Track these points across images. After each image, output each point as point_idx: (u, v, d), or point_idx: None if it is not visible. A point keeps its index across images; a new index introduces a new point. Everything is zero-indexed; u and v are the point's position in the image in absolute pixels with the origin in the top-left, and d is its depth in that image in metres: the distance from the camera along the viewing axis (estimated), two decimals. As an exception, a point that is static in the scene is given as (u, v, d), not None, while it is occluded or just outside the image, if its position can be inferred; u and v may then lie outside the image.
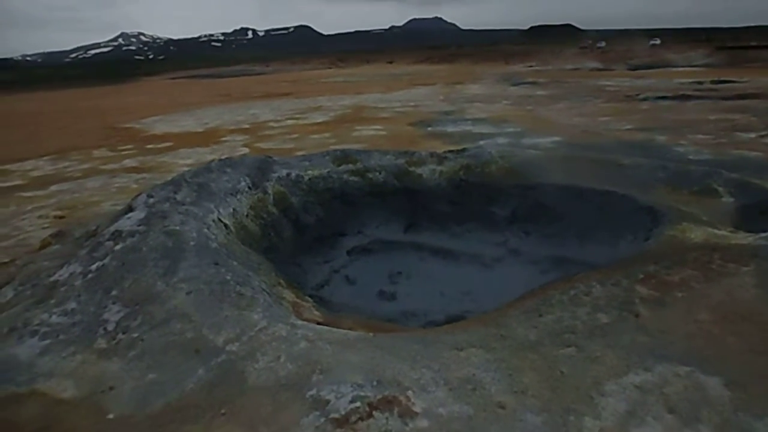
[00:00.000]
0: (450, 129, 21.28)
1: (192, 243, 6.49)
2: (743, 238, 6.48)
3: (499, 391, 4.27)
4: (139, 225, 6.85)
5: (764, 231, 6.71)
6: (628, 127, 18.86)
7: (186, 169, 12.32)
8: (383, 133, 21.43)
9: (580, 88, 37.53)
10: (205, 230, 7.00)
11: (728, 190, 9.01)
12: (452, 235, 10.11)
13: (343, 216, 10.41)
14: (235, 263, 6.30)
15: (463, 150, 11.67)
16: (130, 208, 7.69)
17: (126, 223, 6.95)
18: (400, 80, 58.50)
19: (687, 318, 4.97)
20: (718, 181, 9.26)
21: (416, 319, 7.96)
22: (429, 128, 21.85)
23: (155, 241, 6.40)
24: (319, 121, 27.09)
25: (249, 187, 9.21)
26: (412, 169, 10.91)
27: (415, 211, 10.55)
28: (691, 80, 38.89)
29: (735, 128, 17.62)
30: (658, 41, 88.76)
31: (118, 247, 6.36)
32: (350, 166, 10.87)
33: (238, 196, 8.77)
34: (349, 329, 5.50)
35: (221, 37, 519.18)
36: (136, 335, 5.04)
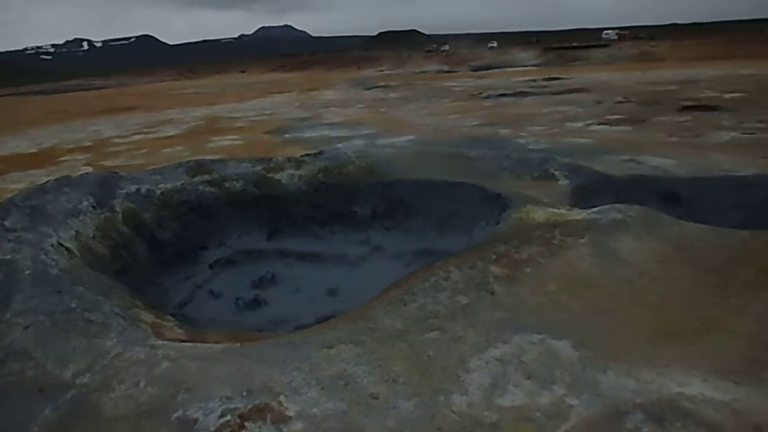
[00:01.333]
0: (307, 134, 21.26)
1: (27, 272, 5.85)
2: (578, 214, 7.15)
3: (370, 382, 4.31)
4: (-41, 257, 6.04)
5: (595, 207, 7.45)
6: (474, 123, 20.08)
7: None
8: (240, 142, 20.89)
9: (429, 89, 39.32)
10: (43, 257, 6.34)
11: (563, 174, 9.91)
12: (316, 238, 10.09)
13: (203, 229, 9.97)
14: (81, 289, 5.77)
15: (320, 153, 11.70)
16: (-53, 240, 6.74)
17: (-57, 257, 6.10)
18: (254, 89, 57.41)
19: (536, 290, 5.37)
20: (554, 166, 10.15)
21: (286, 326, 7.82)
22: (286, 135, 21.66)
23: (-19, 274, 5.67)
24: (170, 134, 25.75)
25: (93, 207, 8.50)
26: (270, 175, 10.73)
27: (277, 218, 10.39)
28: (526, 78, 42.32)
29: (565, 119, 19.46)
30: (495, 44, 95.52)
31: (-66, 285, 5.55)
32: (206, 177, 10.45)
33: (81, 217, 8.05)
34: (216, 344, 5.26)
35: (51, 50, 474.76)
36: (-37, 380, 4.43)
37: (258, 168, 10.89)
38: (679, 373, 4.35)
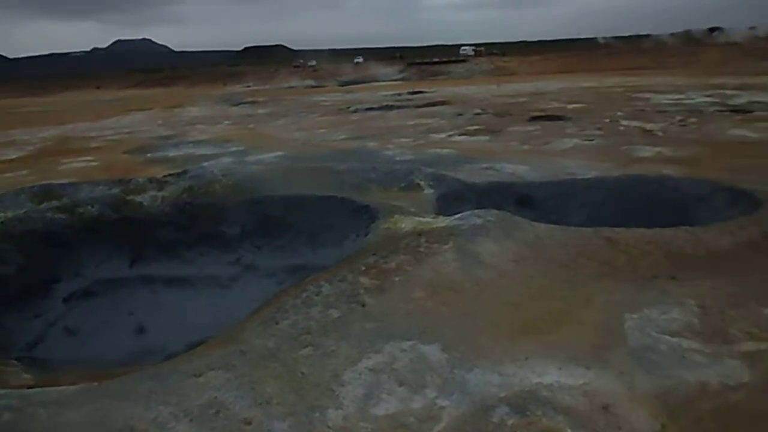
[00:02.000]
0: (171, 153, 20.27)
1: None
2: (442, 222, 7.48)
3: (243, 407, 4.18)
4: None
5: (457, 213, 7.84)
6: (343, 136, 20.32)
7: None
8: (95, 164, 19.42)
9: (298, 104, 39.22)
10: None
11: (428, 183, 10.32)
12: (184, 262, 9.65)
13: (54, 260, 9.14)
14: None
15: (185, 172, 11.24)
16: None
17: None
18: (111, 106, 53.77)
19: (405, 298, 5.53)
20: (419, 176, 10.54)
21: (154, 357, 7.37)
22: (148, 155, 20.49)
23: None
24: (12, 157, 23.33)
25: None
26: (130, 197, 10.11)
27: (140, 243, 9.80)
28: (392, 92, 43.60)
29: (429, 131, 20.28)
30: (361, 59, 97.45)
31: None
32: (54, 203, 9.61)
33: None
34: (71, 385, 4.83)
35: None
36: None
37: (116, 190, 10.22)
38: (537, 364, 4.68)
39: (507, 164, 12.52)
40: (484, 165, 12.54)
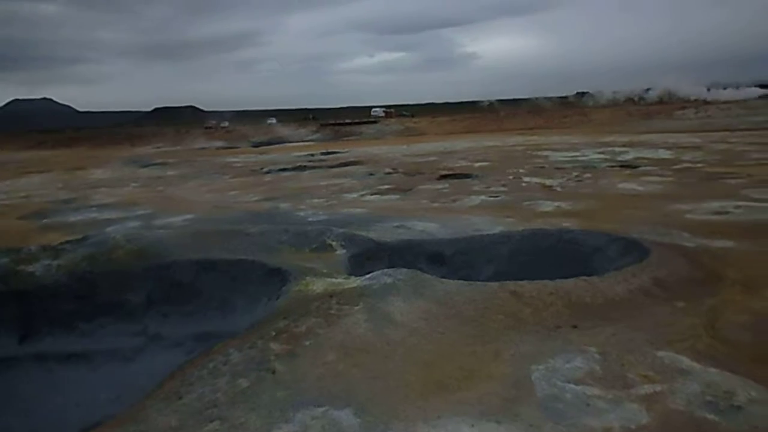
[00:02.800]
0: (72, 218, 19.20)
1: None
2: (354, 282, 7.49)
3: (141, 492, 3.89)
4: None
5: (369, 273, 7.89)
6: (255, 198, 20.13)
7: None
8: (-17, 231, 18.03)
9: (210, 165, 38.60)
10: None
11: (340, 243, 10.35)
12: (82, 335, 9.02)
13: (-71, 340, 8.29)
14: None
15: (85, 238, 10.67)
16: None
17: None
18: (5, 169, 50.54)
19: (316, 362, 5.43)
20: (331, 237, 10.56)
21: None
22: (45, 220, 19.30)
23: None
24: None
25: None
26: (20, 267, 9.44)
27: (32, 316, 9.09)
28: (305, 153, 43.96)
29: (342, 190, 20.52)
30: (274, 120, 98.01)
31: None
32: (-68, 277, 8.79)
33: None
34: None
35: None
36: None
37: (4, 260, 9.52)
38: (449, 422, 4.70)
39: (418, 222, 12.84)
40: (396, 223, 12.79)
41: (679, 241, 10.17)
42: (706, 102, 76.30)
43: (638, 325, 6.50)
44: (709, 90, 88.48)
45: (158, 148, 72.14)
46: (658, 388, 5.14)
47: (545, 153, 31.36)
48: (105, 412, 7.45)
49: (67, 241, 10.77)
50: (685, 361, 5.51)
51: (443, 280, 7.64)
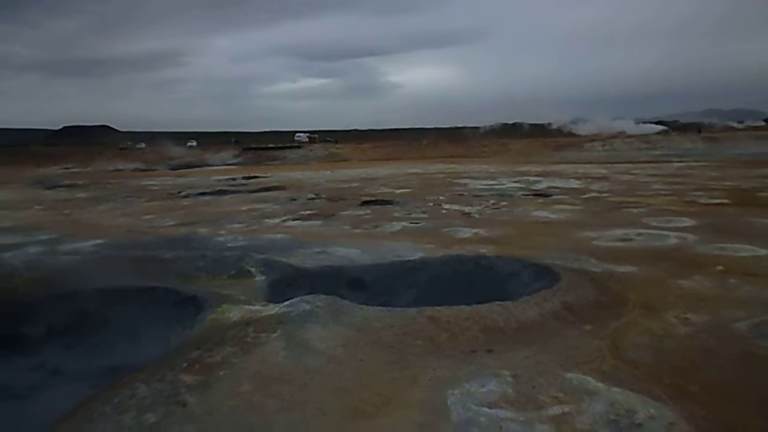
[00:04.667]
0: (-36, 244, 17.75)
1: None
2: (272, 309, 7.35)
3: None
4: None
5: (289, 300, 7.77)
6: (172, 222, 19.44)
7: None
8: None
9: (124, 188, 36.98)
10: None
11: (260, 270, 10.16)
12: (-30, 371, 8.28)
13: None
14: None
15: (-22, 266, 9.89)
16: None
17: None
18: None
19: (230, 393, 5.26)
20: (250, 263, 10.35)
21: None
22: (-67, 245, 17.73)
23: None
24: None
25: None
26: None
27: None
28: (226, 177, 43.03)
29: (263, 215, 20.21)
30: (194, 143, 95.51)
31: None
32: None
33: None
34: None
35: None
36: None
37: None
38: (365, 451, 4.66)
39: (339, 248, 12.81)
40: (317, 249, 12.71)
41: (587, 266, 10.70)
42: (612, 136, 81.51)
43: (549, 348, 6.75)
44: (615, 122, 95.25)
45: (67, 168, 68.40)
46: (566, 408, 5.33)
47: (464, 181, 32.32)
48: (-4, 456, 6.86)
49: (-42, 268, 9.96)
50: (592, 382, 5.76)
51: (362, 306, 7.65)
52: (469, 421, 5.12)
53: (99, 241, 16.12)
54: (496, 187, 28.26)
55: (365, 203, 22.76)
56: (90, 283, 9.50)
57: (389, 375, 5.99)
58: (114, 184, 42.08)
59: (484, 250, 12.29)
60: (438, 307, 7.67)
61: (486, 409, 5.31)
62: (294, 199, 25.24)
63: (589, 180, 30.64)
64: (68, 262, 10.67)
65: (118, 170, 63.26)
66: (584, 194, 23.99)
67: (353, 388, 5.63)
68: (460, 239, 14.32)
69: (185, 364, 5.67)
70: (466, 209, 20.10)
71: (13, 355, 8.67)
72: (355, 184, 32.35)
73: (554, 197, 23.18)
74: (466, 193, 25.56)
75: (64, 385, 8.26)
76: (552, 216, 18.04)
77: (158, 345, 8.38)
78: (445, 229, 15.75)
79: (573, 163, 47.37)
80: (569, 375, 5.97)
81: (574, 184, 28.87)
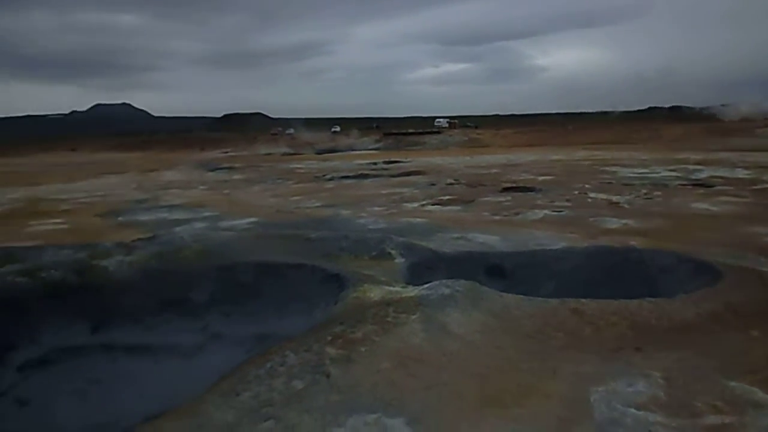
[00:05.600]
0: (143, 217, 20.12)
1: None
2: (411, 291, 7.48)
3: (197, 485, 4.00)
4: None
5: (427, 283, 7.86)
6: (317, 204, 20.48)
7: None
8: (65, 226, 19.15)
9: (274, 171, 39.59)
10: None
11: (399, 252, 10.36)
12: (147, 329, 9.38)
13: (11, 326, 8.82)
14: None
15: (154, 237, 11.14)
16: None
17: None
18: (85, 169, 53.52)
19: (371, 369, 5.45)
20: (390, 245, 10.59)
21: (110, 429, 7.07)
22: (120, 218, 20.31)
23: None
24: (-23, 218, 22.90)
25: None
26: (95, 262, 9.93)
27: (103, 309, 9.53)
28: (367, 161, 44.39)
29: (403, 200, 20.58)
30: (338, 128, 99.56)
31: None
32: (16, 266, 9.39)
33: None
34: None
35: None
36: None
37: (82, 255, 10.04)
38: (502, 439, 4.61)
39: (478, 234, 12.70)
40: (455, 234, 12.70)
41: (755, 265, 9.61)
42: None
43: (708, 352, 6.17)
44: None
45: (226, 152, 74.64)
46: (727, 419, 4.86)
47: (613, 168, 30.43)
48: (165, 404, 7.73)
49: (139, 239, 11.27)
50: (759, 393, 5.19)
51: (502, 293, 7.52)
52: (613, 421, 4.85)
53: (253, 219, 17.46)
54: (648, 175, 26.28)
55: (505, 190, 22.31)
56: (246, 257, 10.29)
57: (528, 365, 5.84)
58: (265, 167, 45.20)
59: (633, 242, 11.52)
60: (582, 300, 7.33)
61: (633, 411, 4.99)
62: (433, 184, 25.41)
63: (760, 170, 27.39)
64: (227, 237, 11.65)
65: (269, 154, 67.83)
66: (754, 185, 21.52)
67: (491, 375, 5.58)
68: (606, 230, 13.55)
69: (330, 338, 5.96)
70: (615, 198, 18.94)
71: (180, 319, 9.69)
72: (495, 170, 31.79)
73: (717, 188, 21.06)
74: (614, 182, 24.07)
75: (223, 347, 9.10)
76: (714, 208, 16.43)
77: (304, 318, 8.92)
78: (591, 219, 14.98)
79: (741, 150, 42.53)
80: (732, 384, 5.42)
81: (741, 173, 26.01)
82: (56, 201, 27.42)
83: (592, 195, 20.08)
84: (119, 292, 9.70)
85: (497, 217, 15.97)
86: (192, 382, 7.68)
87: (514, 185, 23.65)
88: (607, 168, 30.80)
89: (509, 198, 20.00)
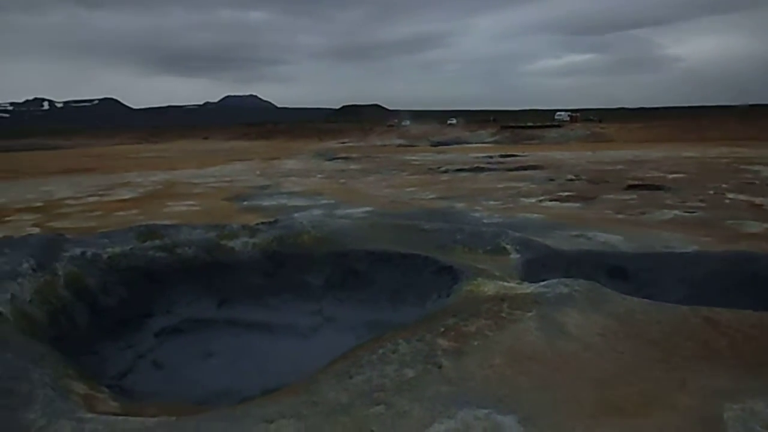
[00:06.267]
0: (266, 203, 21.24)
1: (-49, 337, 5.53)
2: (527, 288, 7.25)
3: (310, 459, 4.15)
4: None
5: (544, 280, 7.59)
6: (431, 196, 20.49)
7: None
8: (197, 208, 20.69)
9: (389, 162, 40.15)
10: (-29, 321, 6.02)
11: (515, 248, 10.10)
12: (267, 308, 9.89)
13: (150, 295, 9.68)
14: (9, 356, 5.47)
15: (276, 221, 11.69)
16: None
17: None
18: (215, 156, 57.45)
19: (483, 364, 5.35)
20: (506, 240, 10.35)
21: (230, 398, 7.51)
22: (244, 203, 21.59)
23: None
24: (125, 197, 25.36)
25: (33, 269, 8.19)
26: (223, 242, 10.61)
27: (228, 286, 10.18)
28: (483, 155, 43.74)
29: (519, 194, 20.05)
30: (454, 121, 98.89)
31: None
32: (156, 242, 10.25)
33: (19, 280, 7.73)
34: (151, 417, 5.01)
35: (10, 107, 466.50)
36: None
37: (211, 235, 10.76)
38: (622, 449, 4.34)
39: (599, 233, 12.09)
40: (575, 232, 12.18)
41: None
42: None
43: None
44: None
45: (343, 143, 76.77)
46: None
47: (755, 167, 27.68)
48: (281, 380, 8.11)
49: (262, 223, 11.87)
50: None
51: (625, 296, 7.08)
52: (751, 443, 4.41)
53: (368, 208, 17.82)
54: (799, 177, 23.63)
55: (631, 187, 21.04)
56: (361, 245, 10.52)
57: (652, 374, 5.46)
58: (381, 157, 45.93)
59: (779, 249, 10.40)
60: (717, 309, 6.73)
61: (775, 435, 4.51)
62: (552, 180, 24.52)
63: None
64: (343, 225, 11.96)
65: (385, 145, 68.85)
66: None
67: (610, 381, 5.28)
68: (747, 234, 12.36)
69: (442, 329, 5.93)
70: (758, 200, 17.22)
71: (297, 300, 10.12)
72: (620, 167, 30.05)
73: None
74: (757, 182, 21.88)
75: (336, 331, 9.39)
76: None
77: (415, 308, 8.96)
78: (729, 222, 13.73)
79: None
80: None
81: None
82: (190, 185, 29.69)
83: (730, 196, 18.40)
84: (243, 271, 10.31)
85: (621, 216, 15.09)
86: (306, 362, 8.01)
87: (640, 183, 22.23)
88: (749, 167, 28.06)
89: (634, 196, 18.82)
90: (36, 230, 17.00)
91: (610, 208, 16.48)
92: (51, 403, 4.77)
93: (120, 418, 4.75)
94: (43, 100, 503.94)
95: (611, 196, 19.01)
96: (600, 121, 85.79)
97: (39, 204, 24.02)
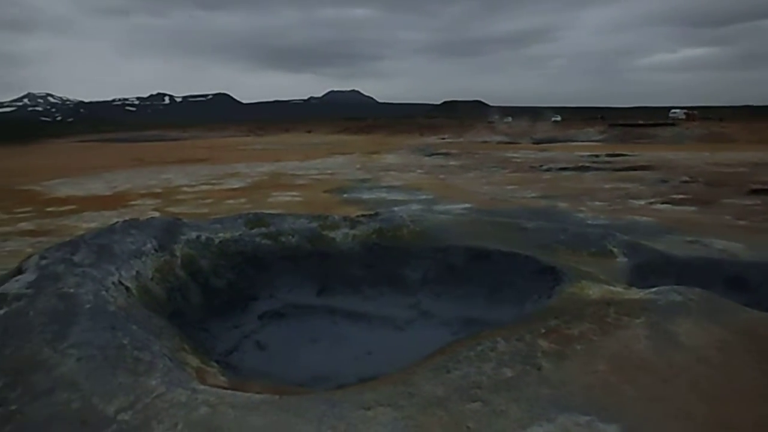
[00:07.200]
0: (365, 196, 21.64)
1: (87, 306, 6.10)
2: (635, 294, 6.90)
3: (406, 449, 4.20)
4: (27, 288, 6.38)
5: (654, 287, 7.18)
6: (533, 194, 19.96)
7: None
8: (299, 199, 21.47)
9: (489, 159, 39.53)
10: (104, 293, 6.61)
11: (622, 251, 9.63)
12: (365, 298, 10.08)
13: (255, 280, 10.17)
14: (134, 327, 5.96)
15: (376, 214, 11.86)
16: (19, 271, 7.16)
17: (13, 286, 6.46)
18: (318, 149, 59.25)
19: (586, 369, 5.16)
20: (612, 243, 9.89)
21: (327, 383, 7.74)
22: (345, 195, 22.13)
23: (45, 305, 5.96)
24: (235, 186, 26.82)
25: (155, 250, 8.85)
26: (325, 232, 10.92)
27: (328, 275, 10.48)
28: (588, 153, 41.97)
29: (628, 196, 19.07)
30: (559, 118, 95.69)
31: (1, 313, 5.86)
32: (263, 230, 10.74)
33: (143, 259, 8.39)
34: (257, 393, 5.28)
35: (136, 102, 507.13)
36: (14, 407, 4.59)
37: (314, 225, 11.11)
38: (739, 472, 4.04)
39: (717, 239, 11.26)
40: (689, 238, 11.43)
41: None
42: None
43: None
44: None
45: (443, 138, 76.47)
46: None
47: None
48: (378, 370, 8.24)
49: (362, 215, 12.10)
50: None
51: (746, 308, 6.55)
52: None
53: (467, 204, 17.67)
54: None
55: (755, 192, 19.40)
56: (459, 241, 10.45)
57: (776, 395, 5.02)
58: (481, 154, 45.32)
59: None
60: None
61: None
62: (664, 181, 23.13)
63: None
64: (442, 221, 11.94)
65: (486, 142, 67.83)
66: None
67: (727, 398, 4.91)
68: None
69: (543, 330, 5.77)
70: None
71: (395, 293, 10.23)
72: (743, 169, 27.78)
73: None
74: None
75: (432, 325, 9.40)
76: None
77: (513, 307, 8.78)
78: None
79: None
80: None
81: None
82: (293, 176, 30.84)
83: None
84: (343, 261, 10.57)
85: (742, 222, 13.96)
86: (402, 354, 8.09)
87: (765, 187, 20.43)
88: None
89: (758, 202, 17.34)
90: (156, 214, 18.38)
91: (729, 214, 15.29)
92: (169, 372, 5.15)
93: (228, 391, 5.04)
94: (165, 95, 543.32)
95: (731, 201, 17.63)
96: (720, 120, 79.64)
97: (159, 190, 25.94)
